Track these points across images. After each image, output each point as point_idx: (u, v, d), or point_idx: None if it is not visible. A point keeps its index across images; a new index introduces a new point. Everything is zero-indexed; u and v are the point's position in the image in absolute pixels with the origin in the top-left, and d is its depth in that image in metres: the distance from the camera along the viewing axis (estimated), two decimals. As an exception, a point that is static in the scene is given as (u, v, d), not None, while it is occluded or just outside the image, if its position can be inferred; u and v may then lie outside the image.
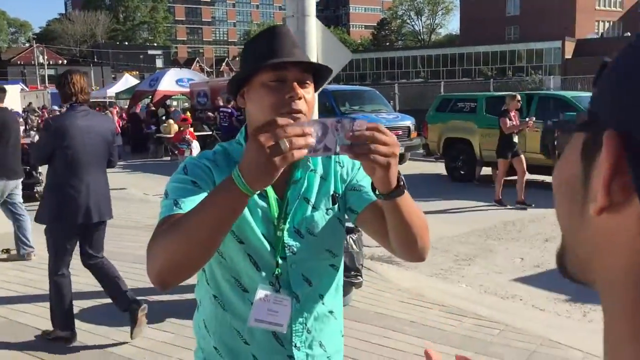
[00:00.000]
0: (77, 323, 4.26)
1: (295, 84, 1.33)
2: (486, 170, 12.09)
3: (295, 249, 1.42)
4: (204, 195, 1.31)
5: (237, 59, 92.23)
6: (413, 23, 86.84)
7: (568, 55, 49.03)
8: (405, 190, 1.25)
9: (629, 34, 51.61)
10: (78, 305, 4.68)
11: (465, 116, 11.81)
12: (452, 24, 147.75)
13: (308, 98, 1.35)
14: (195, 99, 20.26)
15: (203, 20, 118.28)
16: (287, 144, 1.06)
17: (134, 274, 5.69)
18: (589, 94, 9.77)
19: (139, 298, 4.30)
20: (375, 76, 56.88)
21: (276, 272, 1.41)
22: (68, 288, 4.17)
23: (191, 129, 11.95)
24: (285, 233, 1.41)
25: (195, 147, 10.61)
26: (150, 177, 14.02)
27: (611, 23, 58.59)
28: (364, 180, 1.48)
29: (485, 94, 12.46)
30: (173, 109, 20.65)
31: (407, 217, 1.29)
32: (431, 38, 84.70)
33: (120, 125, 20.99)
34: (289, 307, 1.40)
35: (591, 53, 46.91)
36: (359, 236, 4.70)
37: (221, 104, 16.52)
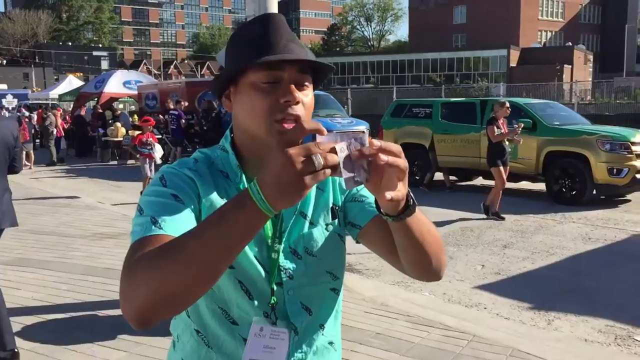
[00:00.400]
0: (19, 342, 3.91)
1: (292, 86, 1.14)
2: (439, 175, 12.15)
3: (292, 273, 1.22)
4: (187, 212, 1.11)
5: (186, 61, 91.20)
6: (363, 29, 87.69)
7: (513, 63, 50.46)
8: (418, 213, 1.08)
9: (570, 43, 53.58)
10: (20, 322, 4.33)
11: (420, 121, 11.82)
12: (401, 31, 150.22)
13: (307, 102, 1.17)
14: (143, 101, 19.70)
15: (150, 21, 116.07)
16: (321, 160, 0.89)
17: (82, 287, 5.35)
18: (540, 100, 9.95)
19: (84, 313, 3.99)
20: (326, 81, 56.90)
21: (272, 302, 1.20)
22: None
23: (155, 131, 11.36)
24: (281, 254, 1.22)
25: (158, 150, 10.18)
26: (97, 183, 13.48)
27: (553, 33, 60.68)
28: (365, 190, 1.30)
29: (441, 100, 12.53)
30: (119, 112, 19.98)
31: (420, 237, 1.12)
32: (380, 44, 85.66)
33: (64, 128, 20.22)
34: (287, 342, 1.20)
35: (535, 61, 48.46)
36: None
37: (172, 106, 16.07)
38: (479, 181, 12.24)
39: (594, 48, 61.30)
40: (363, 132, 0.94)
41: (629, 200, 10.09)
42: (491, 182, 11.76)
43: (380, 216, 1.22)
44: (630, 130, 10.00)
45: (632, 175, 9.19)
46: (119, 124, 17.84)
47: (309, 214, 1.26)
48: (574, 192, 9.68)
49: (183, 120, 15.33)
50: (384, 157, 0.93)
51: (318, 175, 0.89)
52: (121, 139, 17.36)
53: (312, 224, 1.25)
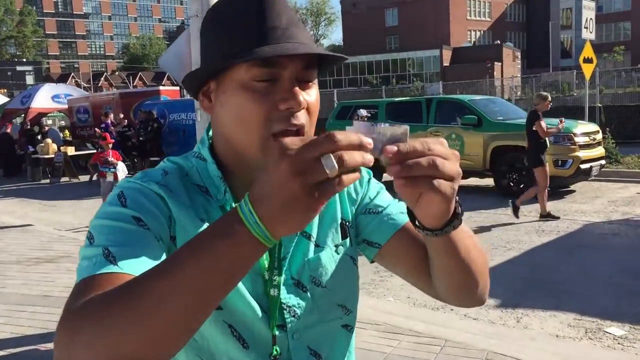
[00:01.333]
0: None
1: (296, 89, 0.86)
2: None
3: (297, 311, 0.96)
4: (154, 241, 0.83)
5: (117, 73, 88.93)
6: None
7: (446, 62, 51.65)
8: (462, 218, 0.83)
9: (498, 41, 55.36)
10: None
11: (365, 123, 11.73)
12: (335, 35, 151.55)
13: (312, 103, 0.90)
14: (74, 115, 18.87)
15: (77, 33, 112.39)
16: (334, 163, 0.62)
17: (19, 318, 4.88)
18: (483, 96, 10.04)
19: (25, 348, 3.58)
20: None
21: (274, 353, 0.93)
22: None
23: (114, 150, 10.15)
24: (282, 289, 0.94)
25: (122, 170, 9.36)
26: (29, 203, 12.72)
27: (482, 32, 62.51)
28: (380, 198, 1.05)
29: (386, 100, 12.49)
30: (48, 127, 19.04)
31: (466, 256, 0.88)
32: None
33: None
34: None
35: (466, 60, 49.77)
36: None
37: (109, 120, 15.43)
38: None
39: (521, 45, 63.56)
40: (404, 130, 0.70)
41: (573, 191, 10.29)
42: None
43: (404, 231, 0.98)
44: (572, 122, 10.21)
45: (577, 166, 9.37)
46: (49, 140, 16.98)
47: (314, 233, 0.99)
48: (522, 186, 9.77)
49: (112, 130, 14.67)
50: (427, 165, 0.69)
51: (333, 187, 0.63)
52: (53, 155, 16.51)
53: (319, 246, 0.99)
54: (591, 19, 14.04)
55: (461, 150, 10.38)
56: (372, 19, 61.26)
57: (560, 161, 9.39)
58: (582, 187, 10.44)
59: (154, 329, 0.65)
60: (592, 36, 13.71)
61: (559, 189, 10.24)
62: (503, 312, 4.89)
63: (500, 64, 49.38)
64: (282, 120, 0.86)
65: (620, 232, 7.37)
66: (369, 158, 0.66)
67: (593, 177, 10.03)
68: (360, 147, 0.64)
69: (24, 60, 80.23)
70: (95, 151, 15.27)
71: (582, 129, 9.89)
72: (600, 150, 10.11)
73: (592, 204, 9.08)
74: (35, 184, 16.44)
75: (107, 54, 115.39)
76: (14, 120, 21.13)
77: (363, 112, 11.15)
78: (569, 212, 8.64)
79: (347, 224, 1.03)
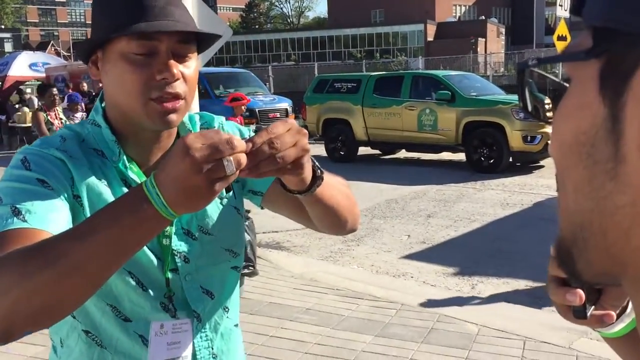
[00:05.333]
0: None
1: (171, 62, 0.97)
2: (365, 150, 12.25)
3: (187, 256, 1.09)
4: (58, 200, 0.94)
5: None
6: (282, 6, 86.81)
7: (430, 37, 51.52)
8: (324, 175, 0.98)
9: (483, 17, 55.23)
10: None
11: (343, 97, 11.83)
12: (319, 7, 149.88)
13: (189, 75, 1.02)
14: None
15: (56, 0, 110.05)
16: (233, 167, 0.75)
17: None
18: (458, 72, 9.92)
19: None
20: (247, 59, 56.14)
21: (168, 293, 1.07)
22: None
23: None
24: (174, 237, 1.08)
25: None
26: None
27: (467, 7, 62.27)
28: None
29: (365, 75, 12.54)
30: (29, 96, 18.84)
31: (334, 203, 1.04)
32: (300, 21, 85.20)
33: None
34: (191, 332, 1.09)
35: (450, 35, 49.68)
36: (250, 222, 4.42)
37: (85, 89, 15.33)
38: (402, 154, 12.47)
39: (506, 21, 63.53)
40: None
41: (542, 166, 10.56)
42: (413, 155, 12.03)
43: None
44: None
45: (545, 142, 9.59)
46: (26, 109, 16.82)
47: None
48: (491, 161, 10.01)
49: (81, 104, 14.61)
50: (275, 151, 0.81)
51: (228, 180, 0.76)
52: (30, 124, 16.39)
53: None
54: (568, -4, 14.20)
55: (434, 125, 10.57)
56: (357, -9, 60.67)
57: (529, 137, 9.62)
58: (551, 162, 10.62)
59: (69, 284, 0.77)
60: (567, 14, 13.87)
61: (528, 164, 10.50)
62: (460, 279, 5.13)
63: (484, 40, 49.43)
64: (159, 88, 0.98)
65: (582, 206, 7.63)
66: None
67: (562, 153, 10.28)
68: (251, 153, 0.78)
69: (2, 27, 78.49)
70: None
71: (552, 105, 10.09)
72: (569, 127, 10.35)
73: (558, 179, 9.35)
74: (12, 152, 16.36)
75: (87, 22, 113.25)
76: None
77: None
78: (535, 186, 8.90)
79: None
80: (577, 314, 0.66)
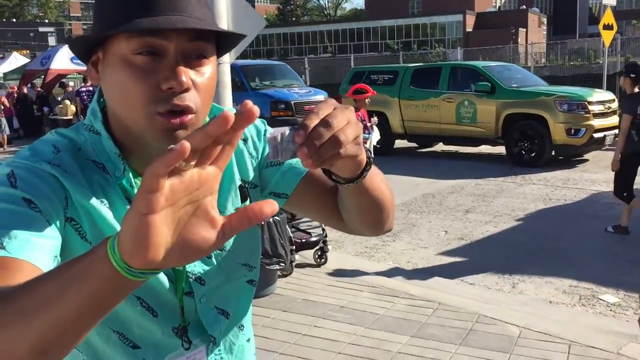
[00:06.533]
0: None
1: (179, 68, 0.80)
2: (401, 143, 12.06)
3: (203, 277, 0.96)
4: (45, 225, 0.78)
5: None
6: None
7: (469, 28, 50.63)
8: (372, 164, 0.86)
9: (524, 7, 54.02)
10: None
11: (380, 88, 11.65)
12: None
13: (202, 84, 0.83)
14: (93, 77, 18.95)
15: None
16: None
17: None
18: (498, 63, 9.56)
19: None
20: (283, 52, 56.19)
21: (183, 324, 0.95)
22: None
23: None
24: None
25: None
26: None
27: (507, -3, 61.00)
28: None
29: (404, 66, 12.34)
30: (70, 89, 19.20)
31: (379, 193, 0.92)
32: (337, 13, 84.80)
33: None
34: (205, 357, 0.99)
35: (490, 26, 48.75)
36: (283, 217, 4.33)
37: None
38: (439, 147, 12.24)
39: (548, 11, 61.96)
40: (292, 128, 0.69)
41: (586, 160, 10.19)
42: (451, 148, 11.78)
43: (309, 177, 1.00)
44: (587, 90, 10.05)
45: (590, 135, 9.26)
46: (68, 102, 17.15)
47: None
48: (533, 154, 9.71)
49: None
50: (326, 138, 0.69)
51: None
52: (72, 117, 16.71)
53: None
54: (615, -16, 13.66)
55: (473, 118, 10.31)
56: (395, -18, 60.02)
57: (573, 130, 9.29)
58: (596, 156, 10.33)
59: (45, 336, 0.61)
60: (614, 2, 13.35)
61: (571, 158, 10.15)
62: (500, 277, 4.95)
63: (525, 30, 48.31)
64: (165, 100, 0.80)
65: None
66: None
67: (607, 147, 9.91)
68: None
69: (46, 21, 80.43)
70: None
71: (597, 97, 9.72)
72: (615, 119, 9.96)
73: (603, 174, 8.99)
74: (55, 145, 16.71)
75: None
76: (34, 82, 21.37)
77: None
78: (579, 181, 8.58)
79: (247, 185, 1.02)
80: None
